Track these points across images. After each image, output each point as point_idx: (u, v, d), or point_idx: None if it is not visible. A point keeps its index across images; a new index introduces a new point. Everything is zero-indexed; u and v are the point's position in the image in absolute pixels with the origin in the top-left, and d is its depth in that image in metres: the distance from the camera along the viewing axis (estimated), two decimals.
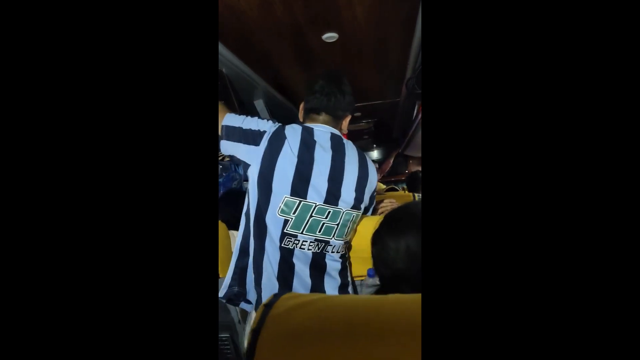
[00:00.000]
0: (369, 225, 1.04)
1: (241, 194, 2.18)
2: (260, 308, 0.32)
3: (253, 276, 0.93)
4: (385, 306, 0.32)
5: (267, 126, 0.94)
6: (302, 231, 0.90)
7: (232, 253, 1.13)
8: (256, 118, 0.96)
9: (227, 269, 1.09)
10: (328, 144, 0.94)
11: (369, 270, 0.98)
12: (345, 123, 1.04)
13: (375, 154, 4.21)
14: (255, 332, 0.30)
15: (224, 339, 1.12)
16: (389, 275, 0.55)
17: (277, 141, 0.91)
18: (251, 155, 0.92)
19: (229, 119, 0.96)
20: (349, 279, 0.99)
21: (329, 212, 0.91)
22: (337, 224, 0.93)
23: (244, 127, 0.94)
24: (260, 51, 1.43)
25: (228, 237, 1.16)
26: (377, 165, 3.03)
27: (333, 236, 0.93)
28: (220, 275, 1.06)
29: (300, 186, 0.89)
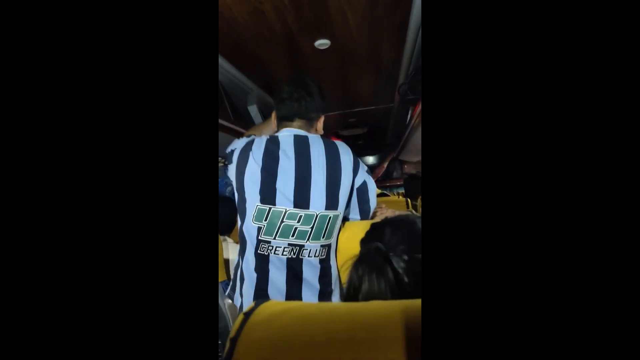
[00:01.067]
0: (359, 228, 1.03)
1: (232, 199, 2.18)
2: (240, 316, 0.32)
3: (239, 284, 0.95)
4: (365, 313, 0.32)
5: (239, 143, 1.00)
6: (275, 237, 0.90)
7: (222, 257, 1.13)
8: (236, 139, 1.04)
9: (222, 273, 1.09)
10: (291, 147, 0.95)
11: None
12: (320, 124, 1.05)
13: (370, 159, 4.22)
14: (233, 341, 0.30)
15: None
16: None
17: (244, 155, 0.96)
18: (230, 173, 1.01)
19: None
20: (332, 286, 0.96)
21: (301, 215, 0.90)
22: (312, 227, 0.91)
23: (226, 152, 1.04)
24: (253, 58, 1.44)
25: (219, 243, 1.16)
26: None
27: (308, 240, 0.91)
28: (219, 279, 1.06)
29: (268, 193, 0.91)
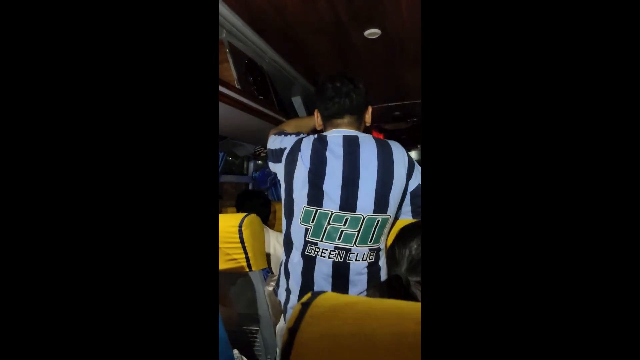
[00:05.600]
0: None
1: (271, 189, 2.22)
2: (298, 306, 0.31)
3: (284, 280, 0.97)
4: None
5: (288, 142, 0.99)
6: (322, 239, 0.90)
7: (264, 246, 1.14)
8: (282, 136, 1.02)
9: (262, 261, 1.11)
10: (340, 150, 0.91)
11: None
12: (368, 116, 1.02)
13: (413, 154, 4.11)
14: (293, 331, 0.29)
15: (253, 331, 1.14)
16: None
17: (293, 155, 0.95)
18: (278, 172, 1.00)
19: (270, 142, 1.06)
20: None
21: (347, 219, 0.88)
22: (358, 231, 0.89)
23: (273, 148, 1.03)
24: (301, 47, 1.43)
25: (262, 231, 1.17)
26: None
27: (354, 243, 0.89)
28: (254, 269, 1.08)
29: (315, 195, 0.90)
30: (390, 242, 0.99)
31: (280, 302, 1.00)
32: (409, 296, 0.51)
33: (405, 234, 0.61)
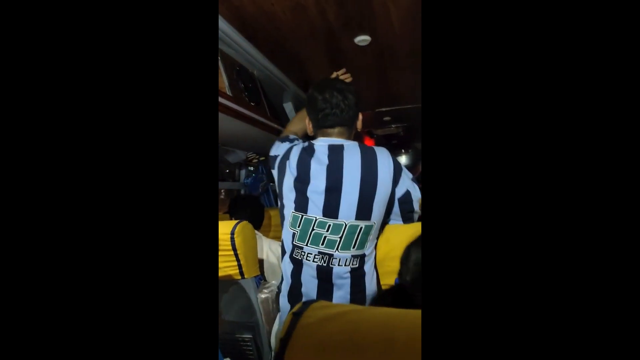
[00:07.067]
0: (400, 232, 1.00)
1: (264, 195, 2.21)
2: (289, 316, 0.31)
3: (284, 283, 1.00)
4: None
5: (281, 149, 1.03)
6: (307, 243, 0.94)
7: (257, 253, 1.14)
8: (279, 142, 1.07)
9: (255, 268, 1.10)
10: (325, 157, 0.94)
11: (396, 279, 0.94)
12: (359, 123, 1.03)
13: (403, 159, 4.14)
14: (284, 341, 0.29)
15: (247, 339, 1.13)
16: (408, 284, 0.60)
17: (283, 163, 1.00)
18: (274, 177, 1.05)
19: (272, 148, 1.09)
20: (367, 295, 0.94)
21: (329, 225, 0.91)
22: (340, 237, 0.91)
23: (270, 154, 1.08)
24: (292, 54, 1.44)
25: (254, 238, 1.17)
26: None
27: (337, 249, 0.91)
28: (247, 276, 1.07)
29: (301, 201, 0.94)
30: (381, 246, 1.00)
31: (269, 302, 1.04)
32: (413, 305, 0.51)
33: (416, 241, 0.61)
